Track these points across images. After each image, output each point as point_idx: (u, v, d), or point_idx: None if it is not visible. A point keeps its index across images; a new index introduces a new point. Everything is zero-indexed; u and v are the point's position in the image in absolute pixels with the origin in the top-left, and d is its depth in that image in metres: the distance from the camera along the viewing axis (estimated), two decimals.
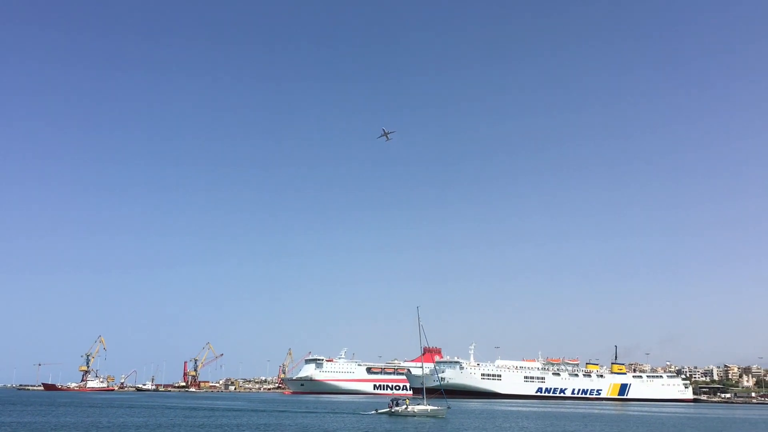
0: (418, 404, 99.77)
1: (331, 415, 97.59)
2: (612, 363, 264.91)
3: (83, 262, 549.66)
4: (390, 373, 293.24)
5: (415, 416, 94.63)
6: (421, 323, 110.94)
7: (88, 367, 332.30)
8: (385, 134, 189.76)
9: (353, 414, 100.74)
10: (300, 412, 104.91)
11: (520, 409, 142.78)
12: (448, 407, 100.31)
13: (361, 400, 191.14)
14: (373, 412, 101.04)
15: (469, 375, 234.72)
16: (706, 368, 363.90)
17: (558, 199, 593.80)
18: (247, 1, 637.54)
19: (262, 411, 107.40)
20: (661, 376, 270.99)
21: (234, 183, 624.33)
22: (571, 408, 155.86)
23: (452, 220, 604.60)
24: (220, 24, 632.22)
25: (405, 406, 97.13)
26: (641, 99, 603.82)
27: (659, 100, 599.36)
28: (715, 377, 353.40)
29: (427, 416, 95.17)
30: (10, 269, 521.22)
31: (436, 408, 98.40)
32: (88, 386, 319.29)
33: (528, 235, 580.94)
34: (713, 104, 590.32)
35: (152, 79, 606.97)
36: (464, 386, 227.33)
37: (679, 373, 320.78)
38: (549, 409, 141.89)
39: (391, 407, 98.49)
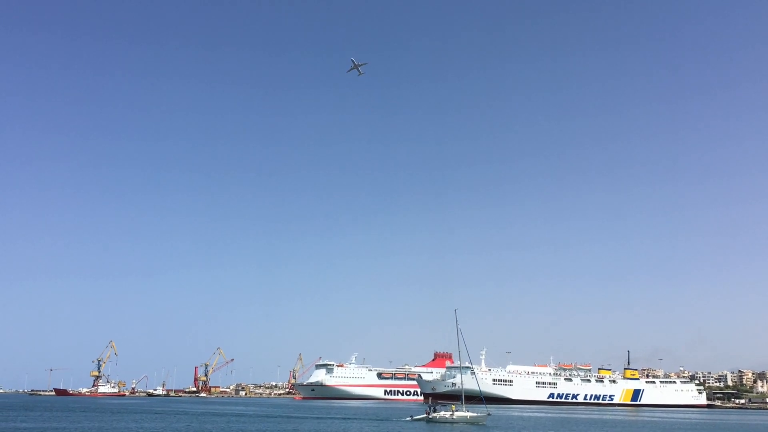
0: (458, 410, 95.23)
1: (362, 421, 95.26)
2: (624, 368, 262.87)
3: (95, 268, 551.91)
4: (401, 379, 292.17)
5: (454, 423, 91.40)
6: (459, 327, 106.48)
7: (99, 372, 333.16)
8: (356, 66, 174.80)
9: (386, 420, 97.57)
10: (328, 418, 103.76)
11: (536, 415, 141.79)
12: (489, 414, 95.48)
13: (376, 405, 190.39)
14: (408, 418, 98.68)
15: (481, 380, 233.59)
16: (720, 374, 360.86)
17: (568, 202, 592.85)
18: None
19: (286, 417, 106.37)
20: (674, 382, 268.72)
21: (244, 188, 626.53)
22: (585, 414, 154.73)
23: (460, 225, 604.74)
24: (218, 29, 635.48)
25: (451, 413, 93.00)
26: (643, 103, 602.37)
27: (661, 104, 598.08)
28: (729, 383, 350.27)
29: (467, 423, 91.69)
30: (21, 275, 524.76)
31: (476, 415, 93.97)
32: (99, 391, 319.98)
33: (538, 238, 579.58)
34: (717, 107, 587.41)
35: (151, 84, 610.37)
36: (475, 392, 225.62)
37: (692, 378, 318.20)
38: (566, 415, 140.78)
39: (428, 413, 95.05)
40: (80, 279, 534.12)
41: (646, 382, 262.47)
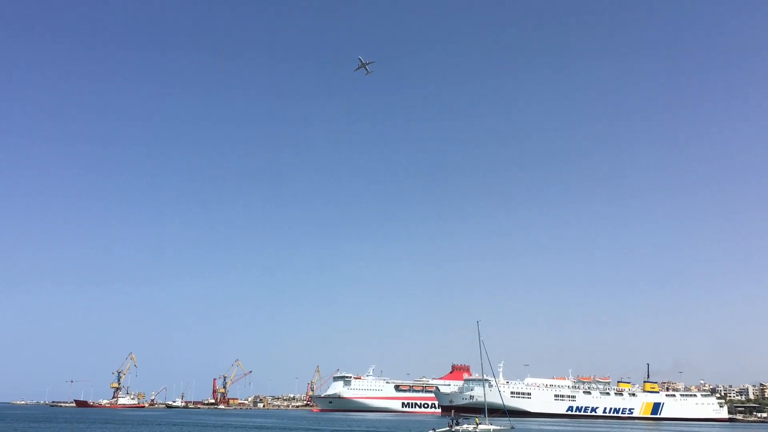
0: (481, 423, 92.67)
1: None
2: (644, 381, 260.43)
3: (115, 280, 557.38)
4: (418, 391, 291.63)
5: None
6: (481, 338, 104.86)
7: (119, 384, 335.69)
8: (363, 65, 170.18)
9: None
10: (350, 430, 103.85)
11: (556, 428, 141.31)
12: (512, 427, 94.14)
13: (394, 418, 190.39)
14: (430, 431, 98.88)
15: (498, 393, 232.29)
16: (742, 387, 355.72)
17: (585, 211, 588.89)
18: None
19: (305, 429, 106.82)
20: (695, 395, 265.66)
21: (261, 198, 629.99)
22: (605, 427, 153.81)
23: (476, 235, 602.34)
24: (217, 31, 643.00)
25: (474, 426, 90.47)
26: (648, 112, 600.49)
27: (666, 112, 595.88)
28: (751, 396, 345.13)
29: None
30: (43, 286, 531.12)
31: (499, 428, 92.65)
32: (119, 403, 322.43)
33: (557, 248, 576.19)
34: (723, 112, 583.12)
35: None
36: (493, 404, 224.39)
37: (713, 391, 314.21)
38: (586, 429, 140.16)
39: (451, 426, 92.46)
40: (101, 291, 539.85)
41: (666, 395, 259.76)
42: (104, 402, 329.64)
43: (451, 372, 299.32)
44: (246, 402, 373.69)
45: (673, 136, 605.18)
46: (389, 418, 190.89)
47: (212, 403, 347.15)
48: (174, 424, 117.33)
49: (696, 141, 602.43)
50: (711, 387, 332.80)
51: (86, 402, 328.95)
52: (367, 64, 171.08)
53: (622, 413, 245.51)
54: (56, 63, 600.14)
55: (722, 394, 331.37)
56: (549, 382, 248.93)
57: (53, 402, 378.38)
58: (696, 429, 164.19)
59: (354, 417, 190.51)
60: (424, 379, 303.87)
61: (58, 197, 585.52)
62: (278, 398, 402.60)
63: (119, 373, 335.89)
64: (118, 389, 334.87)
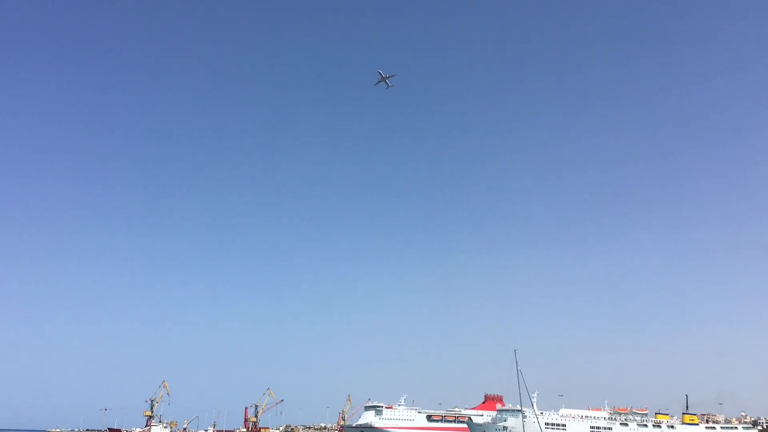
0: None
1: None
2: (683, 413, 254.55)
3: (148, 309, 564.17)
4: (450, 421, 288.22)
5: None
6: (519, 368, 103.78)
7: (152, 412, 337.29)
8: (384, 79, 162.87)
9: None
10: None
11: None
12: None
13: None
14: None
15: (532, 424, 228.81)
16: None
17: (623, 242, 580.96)
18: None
19: None
20: (736, 428, 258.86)
21: (294, 229, 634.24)
22: None
23: (513, 265, 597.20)
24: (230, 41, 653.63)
25: None
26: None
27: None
28: None
29: None
30: (76, 315, 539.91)
31: None
32: (152, 431, 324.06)
33: (592, 278, 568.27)
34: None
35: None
36: None
37: (755, 424, 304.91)
38: None
39: None
40: (134, 320, 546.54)
41: (706, 427, 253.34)
42: (137, 430, 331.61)
43: (483, 402, 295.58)
44: (277, 431, 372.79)
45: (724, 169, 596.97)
46: None
47: None
48: None
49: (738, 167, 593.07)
50: (753, 419, 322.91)
51: (119, 430, 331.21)
52: (388, 77, 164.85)
53: None
54: (59, 71, 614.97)
55: (764, 426, 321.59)
56: (584, 413, 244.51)
57: (87, 430, 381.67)
58: None
59: None
60: (457, 409, 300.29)
61: (84, 231, 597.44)
62: (309, 427, 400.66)
63: (152, 401, 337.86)
64: (150, 417, 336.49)
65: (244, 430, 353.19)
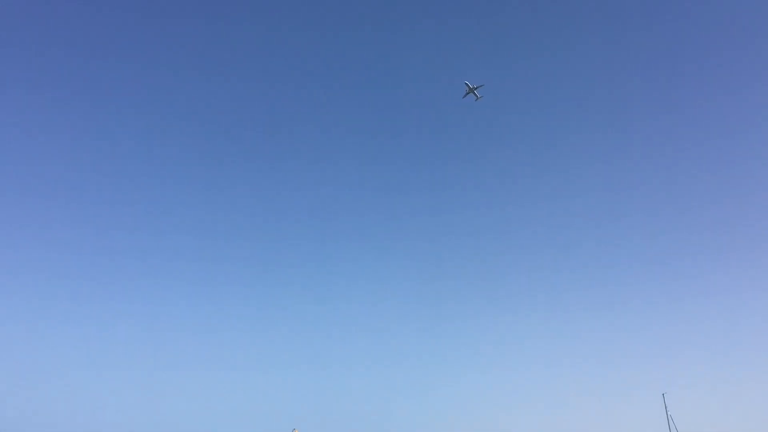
0: None
1: None
2: None
3: (277, 360, 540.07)
4: None
5: None
6: (669, 413, 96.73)
7: None
8: (471, 90, 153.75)
9: None
10: None
11: None
12: None
13: None
14: None
15: None
16: None
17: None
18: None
19: None
20: None
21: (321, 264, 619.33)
22: None
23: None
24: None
25: None
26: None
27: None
28: None
29: None
30: (206, 367, 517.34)
31: None
32: None
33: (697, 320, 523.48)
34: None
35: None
36: None
37: None
38: None
39: None
40: (263, 371, 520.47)
41: None
42: None
43: None
44: None
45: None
46: None
47: None
48: None
49: None
50: None
51: None
52: (476, 88, 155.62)
53: None
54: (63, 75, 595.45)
55: None
56: None
57: None
58: None
59: None
60: None
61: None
62: None
63: None
64: None
65: None
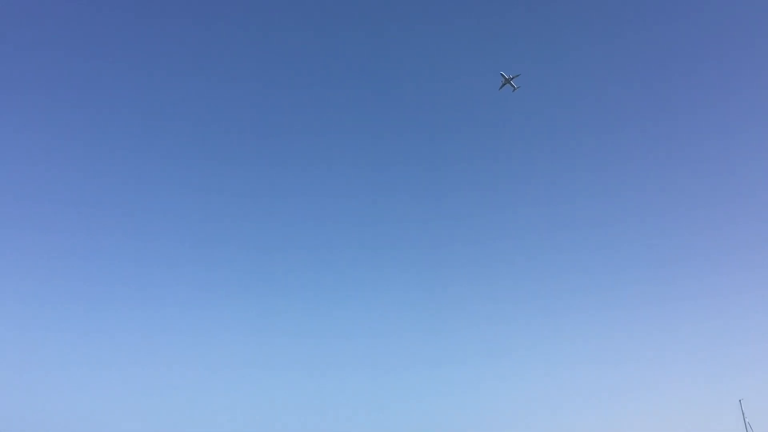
0: None
1: None
2: None
3: (277, 363, 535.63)
4: None
5: None
6: (747, 421, 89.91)
7: None
8: (508, 81, 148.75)
9: None
10: None
11: None
12: None
13: None
14: None
15: None
16: None
17: None
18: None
19: None
20: None
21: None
22: None
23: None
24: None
25: None
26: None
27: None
28: None
29: None
30: (206, 368, 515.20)
31: None
32: None
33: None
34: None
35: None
36: None
37: None
38: None
39: None
40: (260, 372, 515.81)
41: None
42: None
43: None
44: None
45: None
46: None
47: None
48: None
49: None
50: None
51: None
52: (512, 78, 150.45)
53: None
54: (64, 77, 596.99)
55: None
56: None
57: None
58: None
59: None
60: None
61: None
62: None
63: None
64: None
65: None
